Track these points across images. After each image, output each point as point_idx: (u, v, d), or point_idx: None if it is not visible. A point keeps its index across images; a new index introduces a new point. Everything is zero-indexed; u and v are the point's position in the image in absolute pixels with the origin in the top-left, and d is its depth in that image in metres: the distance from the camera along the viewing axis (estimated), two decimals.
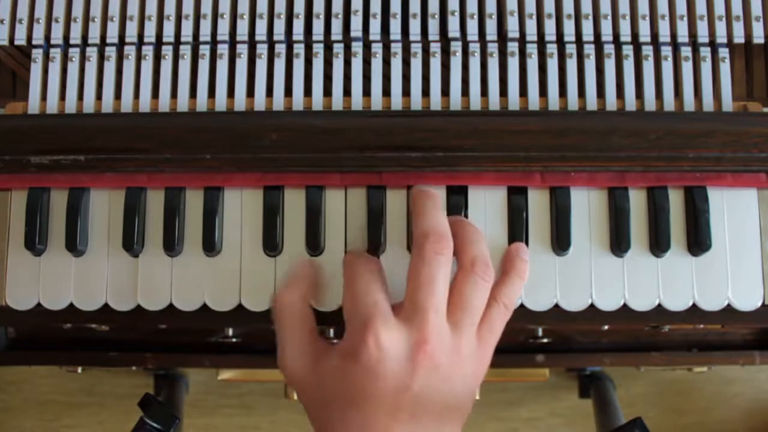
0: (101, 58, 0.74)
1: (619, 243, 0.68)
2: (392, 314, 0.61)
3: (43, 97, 0.73)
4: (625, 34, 0.73)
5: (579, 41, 0.73)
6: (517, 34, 0.73)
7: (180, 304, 0.69)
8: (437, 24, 0.73)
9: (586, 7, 0.73)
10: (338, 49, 0.73)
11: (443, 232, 0.62)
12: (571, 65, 0.73)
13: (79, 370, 0.90)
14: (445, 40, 0.73)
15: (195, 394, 1.07)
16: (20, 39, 0.74)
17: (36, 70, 0.74)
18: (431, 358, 0.59)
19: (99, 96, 0.73)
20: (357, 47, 0.73)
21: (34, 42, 0.74)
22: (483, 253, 0.63)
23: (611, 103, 0.72)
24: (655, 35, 0.73)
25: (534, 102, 0.72)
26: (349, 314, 0.62)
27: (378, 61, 0.73)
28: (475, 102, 0.72)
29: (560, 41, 0.73)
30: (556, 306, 0.69)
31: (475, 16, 0.73)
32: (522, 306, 0.69)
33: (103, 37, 0.74)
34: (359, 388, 0.60)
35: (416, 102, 0.72)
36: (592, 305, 0.69)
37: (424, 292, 0.61)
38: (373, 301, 0.61)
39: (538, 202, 0.69)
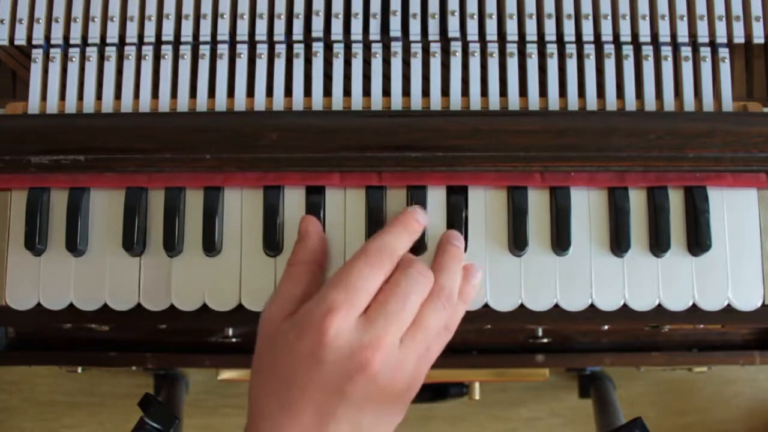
0: (101, 58, 0.74)
1: (619, 243, 0.68)
2: (359, 314, 0.60)
3: (43, 97, 0.73)
4: (625, 34, 0.73)
5: (579, 41, 0.73)
6: (516, 35, 0.73)
7: (180, 304, 0.69)
8: (437, 24, 0.73)
9: (586, 7, 0.73)
10: (338, 49, 0.73)
11: (428, 269, 0.63)
12: (571, 65, 0.73)
13: (79, 370, 0.90)
14: (445, 40, 0.73)
15: (195, 394, 1.07)
16: (20, 39, 0.74)
17: (36, 70, 0.74)
18: (374, 365, 0.59)
19: (99, 96, 0.73)
20: (357, 47, 0.73)
21: (34, 42, 0.74)
22: (453, 284, 0.64)
23: (611, 103, 0.72)
24: (655, 35, 0.73)
25: (534, 102, 0.72)
26: (332, 282, 0.61)
27: (378, 61, 0.73)
28: (475, 102, 0.72)
29: (560, 41, 0.73)
30: (556, 306, 0.69)
31: (475, 16, 0.73)
32: (522, 306, 0.69)
33: (103, 37, 0.74)
34: (296, 370, 0.59)
35: (416, 102, 0.72)
36: (592, 305, 0.69)
37: (397, 303, 0.61)
38: (354, 296, 0.60)
39: (538, 202, 0.69)
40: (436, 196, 0.70)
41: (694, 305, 0.68)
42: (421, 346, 0.62)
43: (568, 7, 0.73)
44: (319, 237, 0.67)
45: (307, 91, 0.73)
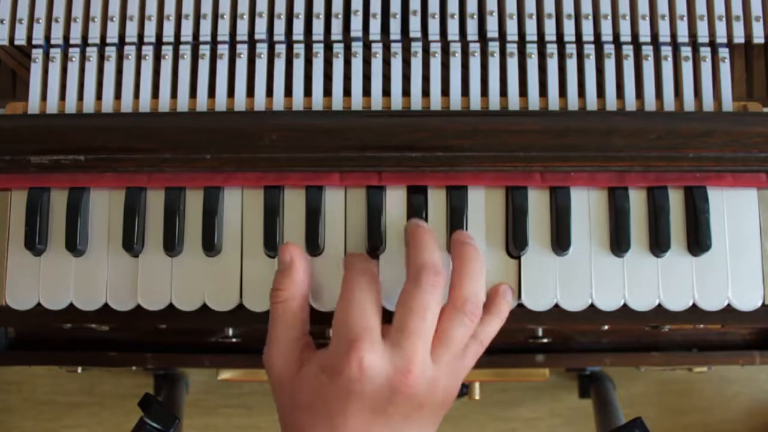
0: (101, 58, 0.74)
1: (619, 243, 0.68)
2: (380, 337, 0.61)
3: (43, 97, 0.73)
4: (625, 34, 0.73)
5: (579, 41, 0.73)
6: (516, 35, 0.73)
7: (180, 304, 0.69)
8: (437, 24, 0.73)
9: (586, 7, 0.73)
10: (338, 49, 0.73)
11: (440, 269, 0.63)
12: (571, 65, 0.73)
13: (79, 370, 0.90)
14: (445, 40, 0.73)
15: (195, 394, 1.07)
16: (20, 39, 0.74)
17: (36, 70, 0.74)
18: (411, 386, 0.60)
19: (99, 96, 0.73)
20: (357, 47, 0.73)
21: (34, 42, 0.74)
22: (476, 292, 0.64)
23: (611, 103, 0.72)
24: (655, 35, 0.73)
25: (534, 102, 0.72)
26: (339, 326, 0.62)
27: (378, 61, 0.73)
28: (475, 102, 0.72)
29: (560, 41, 0.73)
30: (556, 306, 0.69)
31: (475, 16, 0.73)
32: (522, 306, 0.69)
33: (103, 37, 0.74)
34: (334, 403, 0.61)
35: (416, 102, 0.72)
36: (592, 305, 0.69)
37: (416, 320, 0.61)
38: (365, 322, 0.61)
39: (538, 202, 0.69)
40: (436, 196, 0.70)
41: (694, 305, 0.68)
42: (451, 360, 0.63)
43: (568, 7, 0.73)
44: (304, 269, 0.66)
45: (307, 91, 0.73)
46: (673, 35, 0.73)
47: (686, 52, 0.73)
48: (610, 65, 0.73)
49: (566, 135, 0.67)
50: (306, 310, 0.66)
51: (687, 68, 0.73)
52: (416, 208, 0.69)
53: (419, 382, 0.61)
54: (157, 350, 0.85)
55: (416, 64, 0.73)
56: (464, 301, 0.63)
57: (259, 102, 0.72)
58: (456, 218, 0.69)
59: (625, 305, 0.69)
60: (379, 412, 0.61)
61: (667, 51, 0.73)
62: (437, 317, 0.62)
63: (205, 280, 0.69)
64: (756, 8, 0.73)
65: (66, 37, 0.74)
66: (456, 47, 0.73)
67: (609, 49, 0.73)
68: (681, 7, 0.73)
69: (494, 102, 0.72)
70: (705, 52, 0.73)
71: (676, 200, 0.69)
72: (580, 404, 1.05)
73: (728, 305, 0.69)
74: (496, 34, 0.73)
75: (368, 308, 0.62)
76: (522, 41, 0.73)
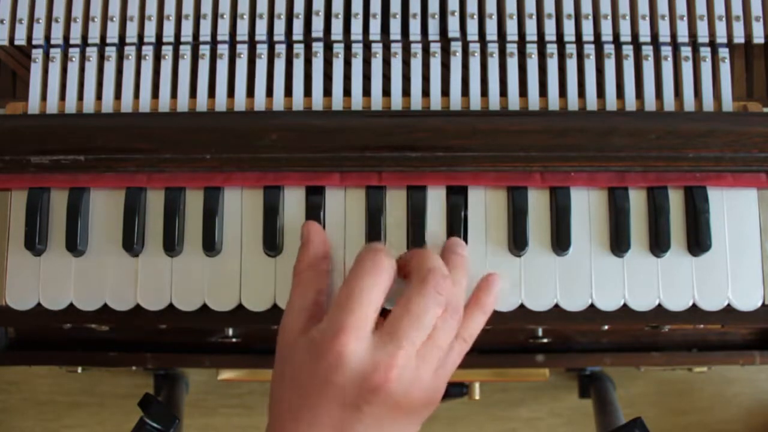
0: (101, 58, 0.74)
1: (619, 243, 0.68)
2: (371, 330, 0.60)
3: (43, 97, 0.73)
4: (625, 34, 0.73)
5: (579, 41, 0.73)
6: (516, 35, 0.73)
7: (180, 304, 0.69)
8: (437, 24, 0.73)
9: (586, 7, 0.73)
10: (338, 49, 0.73)
11: (447, 277, 0.63)
12: (571, 65, 0.73)
13: (79, 370, 0.90)
14: (445, 40, 0.73)
15: (195, 394, 1.07)
16: (20, 39, 0.74)
17: (36, 70, 0.74)
18: (387, 384, 0.59)
19: (99, 96, 0.74)
20: (357, 47, 0.73)
21: (34, 42, 0.74)
22: (459, 296, 0.64)
23: (611, 103, 0.72)
24: (655, 35, 0.73)
25: (534, 102, 0.72)
26: (338, 306, 0.61)
27: (378, 61, 0.73)
28: (475, 102, 0.72)
29: (560, 41, 0.73)
30: (556, 306, 0.69)
31: (475, 16, 0.73)
32: (522, 306, 0.69)
33: (103, 37, 0.74)
34: (312, 384, 0.60)
35: (416, 102, 0.72)
36: (592, 305, 0.69)
37: (410, 322, 0.61)
38: (362, 310, 0.60)
39: (538, 202, 0.69)
40: (436, 196, 0.70)
41: (694, 305, 0.68)
42: (435, 361, 0.62)
43: (568, 7, 0.73)
44: (321, 241, 0.67)
45: (307, 91, 0.73)
46: (673, 35, 0.73)
47: (686, 52, 0.73)
48: (610, 65, 0.73)
49: (566, 135, 0.68)
50: (322, 282, 0.65)
51: (687, 68, 0.73)
52: (416, 208, 0.69)
53: (396, 381, 0.60)
54: (157, 350, 0.85)
55: (416, 64, 0.73)
56: (448, 303, 0.62)
57: (259, 102, 0.72)
58: (456, 218, 0.69)
59: (625, 305, 0.69)
60: (353, 407, 0.59)
61: (667, 51, 0.73)
62: (432, 325, 0.62)
63: (205, 280, 0.69)
64: (756, 8, 0.73)
65: (66, 37, 0.74)
66: (456, 47, 0.73)
67: (609, 49, 0.73)
68: (681, 7, 0.73)
69: (494, 102, 0.72)
70: (705, 52, 0.73)
71: (676, 200, 0.69)
72: (580, 404, 1.05)
73: (728, 305, 0.69)
74: (495, 35, 0.73)
75: (371, 297, 0.61)
76: (522, 41, 0.73)
